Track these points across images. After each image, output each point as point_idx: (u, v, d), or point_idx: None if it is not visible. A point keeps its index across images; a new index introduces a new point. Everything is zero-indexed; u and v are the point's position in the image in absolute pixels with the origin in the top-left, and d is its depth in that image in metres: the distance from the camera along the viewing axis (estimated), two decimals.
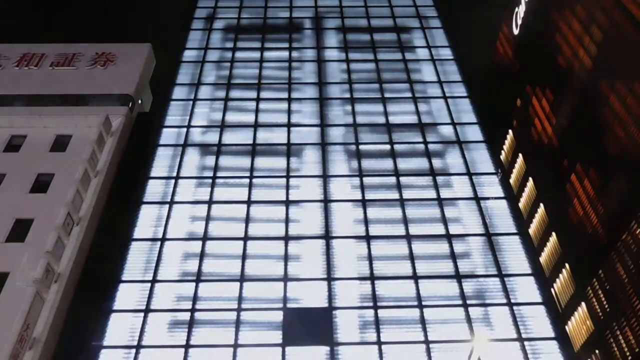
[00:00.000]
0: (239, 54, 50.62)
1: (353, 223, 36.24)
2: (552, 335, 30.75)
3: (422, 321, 31.01)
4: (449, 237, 35.27)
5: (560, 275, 35.04)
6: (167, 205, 37.24)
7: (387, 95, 46.03)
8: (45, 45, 48.62)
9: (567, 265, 34.36)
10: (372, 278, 33.13)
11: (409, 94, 46.09)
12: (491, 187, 38.68)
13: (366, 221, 36.21)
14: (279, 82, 47.44)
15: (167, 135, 42.70)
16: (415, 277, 33.11)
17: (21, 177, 38.17)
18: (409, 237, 35.25)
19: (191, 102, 45.43)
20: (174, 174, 39.43)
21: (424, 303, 31.88)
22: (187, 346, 29.97)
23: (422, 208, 37.22)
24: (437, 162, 40.36)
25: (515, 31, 45.42)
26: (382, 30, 53.45)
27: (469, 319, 31.13)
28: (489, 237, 35.36)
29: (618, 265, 28.92)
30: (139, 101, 46.55)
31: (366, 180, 38.98)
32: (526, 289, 32.73)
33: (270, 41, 52.12)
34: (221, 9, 56.54)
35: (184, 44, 51.80)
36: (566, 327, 33.36)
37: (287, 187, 38.42)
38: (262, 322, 31.07)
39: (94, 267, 35.38)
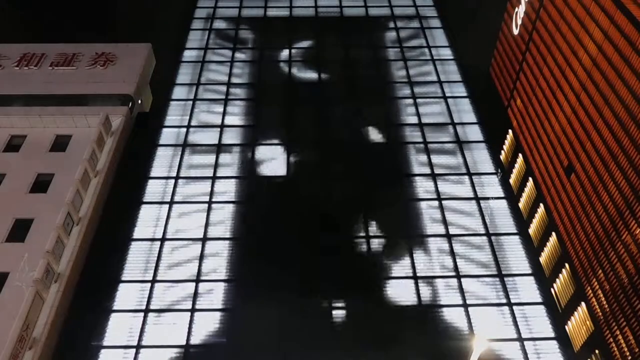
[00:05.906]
0: (239, 55, 50.59)
1: (356, 223, 36.27)
2: (552, 335, 30.78)
3: (423, 321, 30.99)
4: (448, 237, 35.27)
5: (560, 275, 35.03)
6: (167, 205, 37.26)
7: (387, 95, 45.99)
8: (45, 45, 48.56)
9: (567, 265, 34.36)
10: (372, 278, 33.11)
11: (409, 94, 46.09)
12: (491, 187, 38.70)
13: (366, 220, 36.20)
14: (279, 82, 47.40)
15: (167, 135, 42.71)
16: (414, 277, 33.11)
17: (21, 177, 38.13)
18: (408, 237, 35.24)
19: (191, 102, 45.44)
20: (174, 174, 39.43)
21: (423, 303, 31.91)
22: (187, 346, 29.99)
23: (422, 208, 37.22)
24: (437, 162, 40.34)
25: (515, 31, 45.45)
26: (382, 31, 53.40)
27: (469, 319, 31.14)
28: (489, 237, 35.37)
29: (618, 265, 28.92)
30: (139, 101, 46.51)
31: (369, 179, 39.01)
32: (526, 289, 32.75)
33: (269, 41, 52.09)
34: (221, 9, 56.52)
35: (184, 44, 51.81)
36: (566, 327, 33.35)
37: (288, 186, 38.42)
38: (262, 322, 31.05)
39: (94, 267, 35.32)
